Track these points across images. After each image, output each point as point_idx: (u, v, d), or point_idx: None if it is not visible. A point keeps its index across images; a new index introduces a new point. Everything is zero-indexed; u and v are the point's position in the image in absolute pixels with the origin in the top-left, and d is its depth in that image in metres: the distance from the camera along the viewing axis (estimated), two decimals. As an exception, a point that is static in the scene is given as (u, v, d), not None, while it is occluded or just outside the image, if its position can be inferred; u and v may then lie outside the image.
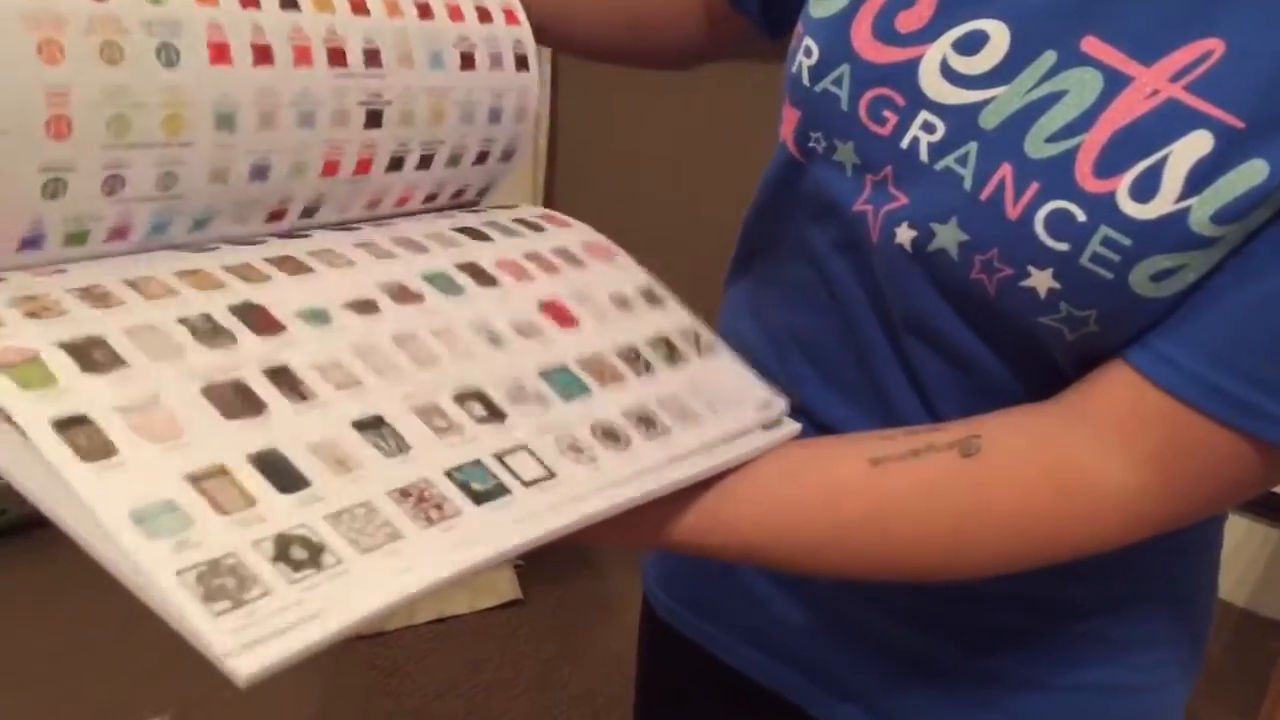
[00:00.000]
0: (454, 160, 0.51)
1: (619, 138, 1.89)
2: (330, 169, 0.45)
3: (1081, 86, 0.44)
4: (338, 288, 0.41)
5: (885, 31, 0.49)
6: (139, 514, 0.30)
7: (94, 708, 1.49)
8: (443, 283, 0.44)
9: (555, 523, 0.38)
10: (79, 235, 0.38)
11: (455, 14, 0.50)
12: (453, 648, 1.69)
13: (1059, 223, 0.44)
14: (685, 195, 1.87)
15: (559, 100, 1.82)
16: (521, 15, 0.54)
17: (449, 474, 0.37)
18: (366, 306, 0.41)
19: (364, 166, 0.47)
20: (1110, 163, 0.43)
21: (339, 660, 1.62)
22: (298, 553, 0.31)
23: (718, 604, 0.66)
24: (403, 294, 0.42)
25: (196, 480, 0.32)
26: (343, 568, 0.32)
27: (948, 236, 0.47)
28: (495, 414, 0.40)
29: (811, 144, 0.52)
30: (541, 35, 0.59)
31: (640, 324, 0.49)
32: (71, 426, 0.31)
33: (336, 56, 0.44)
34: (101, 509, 0.29)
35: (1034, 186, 0.45)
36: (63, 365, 0.32)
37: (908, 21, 0.48)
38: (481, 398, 0.40)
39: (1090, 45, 0.45)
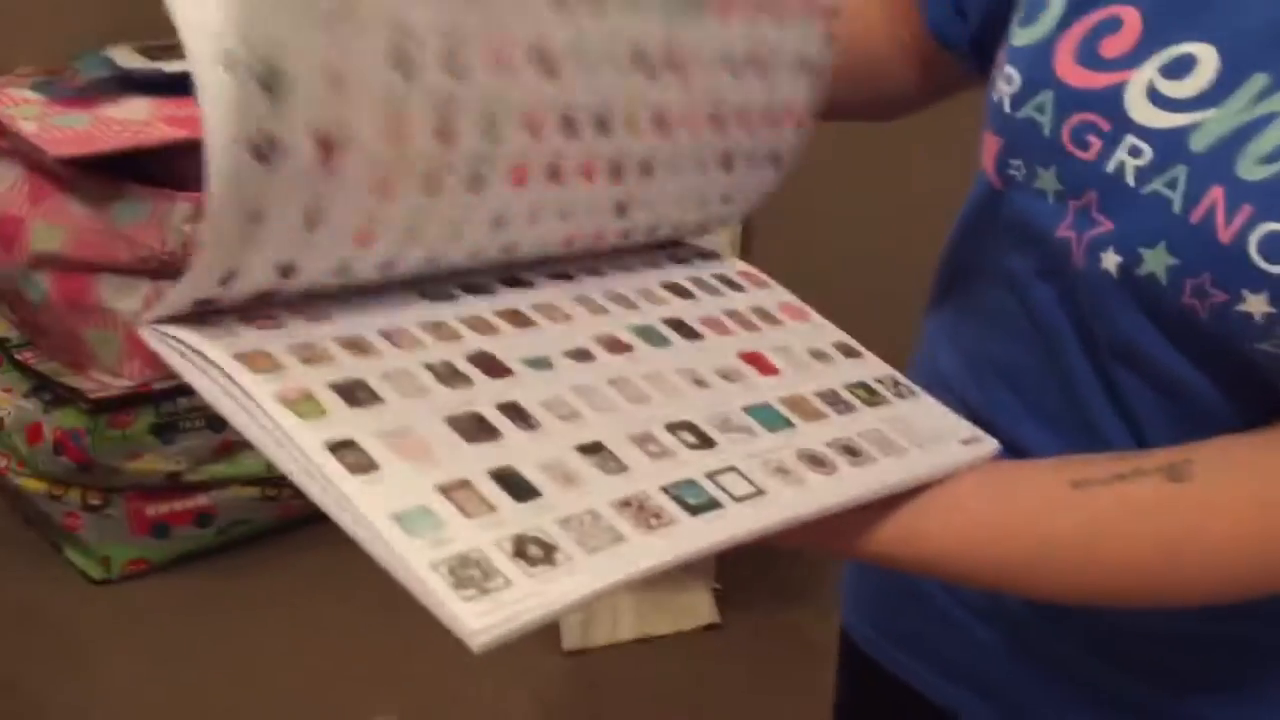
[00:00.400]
0: (676, 227, 0.54)
1: (816, 169, 1.90)
2: (569, 241, 0.49)
3: None
4: (557, 339, 0.45)
5: (1089, 57, 0.49)
6: (399, 516, 0.35)
7: (324, 705, 1.61)
8: (650, 335, 0.48)
9: (757, 523, 0.40)
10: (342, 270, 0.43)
11: (741, 120, 0.53)
12: (652, 668, 1.73)
13: (1274, 245, 0.43)
14: (884, 227, 1.85)
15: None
16: (808, 122, 0.56)
17: (664, 489, 0.40)
18: (583, 355, 0.45)
19: (598, 238, 0.51)
20: None
21: (545, 673, 1.69)
22: (534, 551, 0.35)
23: (912, 631, 0.66)
24: (615, 345, 0.46)
25: (445, 490, 0.36)
26: (574, 564, 0.35)
27: (1156, 261, 0.47)
28: (705, 442, 0.43)
29: (1011, 171, 0.52)
30: None
31: (838, 372, 0.51)
32: (341, 448, 0.36)
33: (616, 173, 0.48)
34: (369, 512, 0.34)
35: (1247, 209, 0.44)
36: (332, 401, 0.38)
37: (1113, 47, 0.48)
38: (692, 428, 0.43)
39: None
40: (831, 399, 0.48)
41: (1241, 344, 0.46)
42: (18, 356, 1.78)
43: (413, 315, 0.44)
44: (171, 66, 1.67)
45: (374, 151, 0.39)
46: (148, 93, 1.71)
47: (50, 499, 1.76)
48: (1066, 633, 0.58)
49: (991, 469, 0.49)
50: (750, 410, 0.45)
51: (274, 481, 1.84)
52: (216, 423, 1.71)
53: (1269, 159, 0.43)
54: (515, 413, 0.40)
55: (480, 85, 0.41)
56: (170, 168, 1.62)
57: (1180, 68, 0.46)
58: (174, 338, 0.39)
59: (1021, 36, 0.51)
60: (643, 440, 0.41)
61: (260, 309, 0.41)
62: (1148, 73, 0.47)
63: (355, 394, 0.38)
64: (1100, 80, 0.48)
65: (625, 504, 0.38)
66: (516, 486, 0.37)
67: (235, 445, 1.78)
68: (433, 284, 0.46)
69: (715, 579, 1.81)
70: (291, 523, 1.86)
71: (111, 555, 1.76)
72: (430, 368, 0.41)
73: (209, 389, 0.38)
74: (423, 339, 0.42)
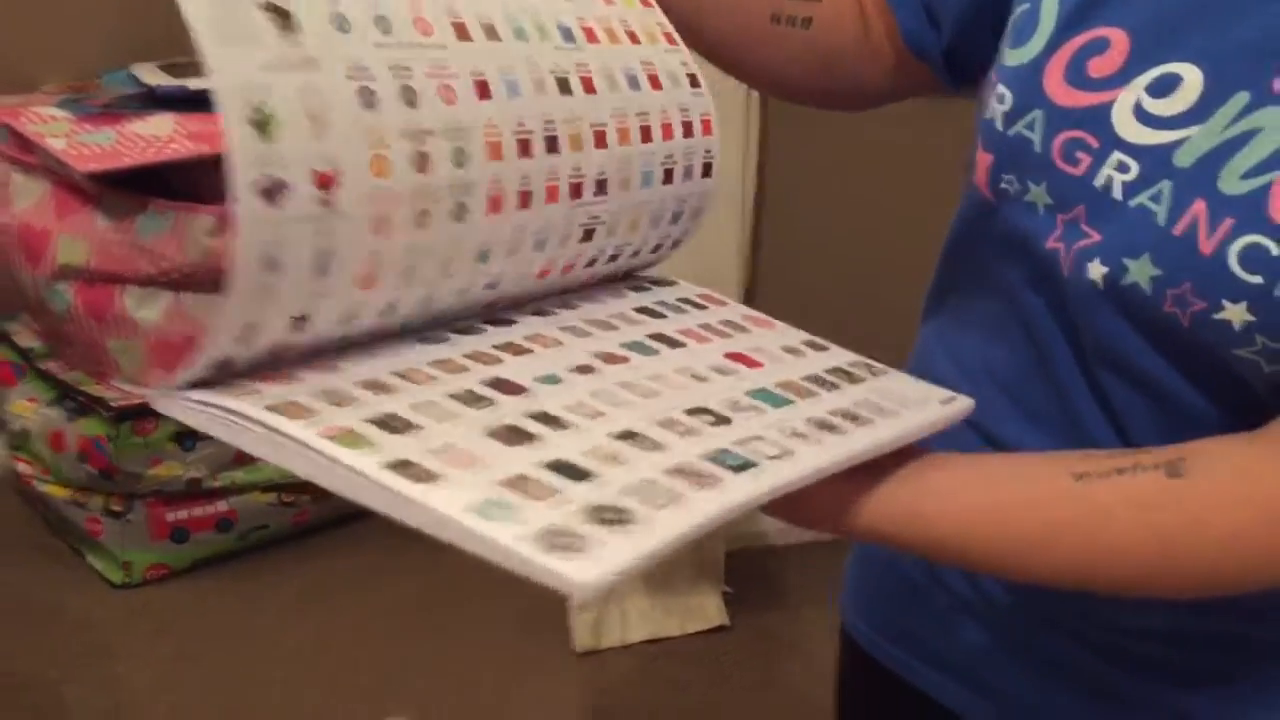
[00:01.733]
0: (636, 253, 0.58)
1: (822, 183, 1.92)
2: (543, 274, 0.52)
3: (1275, 125, 0.45)
4: (557, 360, 0.48)
5: (1077, 77, 0.50)
6: (475, 508, 0.36)
7: (340, 706, 1.63)
8: (640, 348, 0.51)
9: (795, 473, 0.43)
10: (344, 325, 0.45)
11: (667, 132, 0.56)
12: (662, 669, 1.74)
13: (1252, 256, 0.45)
14: (886, 235, 1.87)
15: (767, 148, 1.87)
16: (715, 124, 0.59)
17: (703, 457, 0.42)
18: (586, 369, 0.48)
19: (568, 269, 0.54)
20: None
21: (556, 673, 1.71)
22: (609, 515, 0.38)
23: (913, 630, 0.67)
24: (611, 358, 0.49)
25: (509, 484, 0.38)
26: (650, 519, 0.38)
27: (1140, 271, 0.49)
28: (723, 420, 0.46)
29: (1003, 186, 0.54)
30: (737, 69, 0.62)
31: (815, 362, 0.54)
32: (399, 467, 0.37)
33: (576, 191, 0.51)
34: (447, 510, 0.36)
35: (1227, 221, 0.46)
36: (374, 433, 0.39)
37: (1100, 67, 0.50)
38: (708, 411, 0.46)
39: None
40: (818, 381, 0.51)
41: (1222, 350, 0.48)
42: (42, 366, 1.81)
43: (417, 357, 0.46)
44: (194, 83, 1.71)
45: (365, 185, 0.40)
46: (171, 109, 1.74)
47: (73, 505, 1.79)
48: (1059, 629, 0.60)
49: (992, 459, 0.50)
50: (752, 394, 0.48)
51: (292, 488, 1.87)
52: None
53: (1249, 174, 0.45)
54: (545, 419, 0.43)
55: (439, 114, 0.44)
56: (191, 181, 1.65)
57: (1166, 86, 0.48)
58: (201, 402, 0.40)
59: (1012, 57, 0.53)
60: (669, 424, 0.44)
61: (272, 368, 0.42)
62: (1135, 91, 0.49)
63: (393, 424, 0.40)
64: (1088, 99, 0.50)
65: (676, 471, 0.41)
66: (572, 472, 0.39)
67: (254, 452, 1.81)
68: (427, 331, 0.48)
69: (725, 582, 1.84)
70: (309, 528, 1.89)
71: (132, 560, 1.79)
72: (453, 396, 0.43)
73: (254, 445, 0.39)
74: (435, 374, 0.45)
